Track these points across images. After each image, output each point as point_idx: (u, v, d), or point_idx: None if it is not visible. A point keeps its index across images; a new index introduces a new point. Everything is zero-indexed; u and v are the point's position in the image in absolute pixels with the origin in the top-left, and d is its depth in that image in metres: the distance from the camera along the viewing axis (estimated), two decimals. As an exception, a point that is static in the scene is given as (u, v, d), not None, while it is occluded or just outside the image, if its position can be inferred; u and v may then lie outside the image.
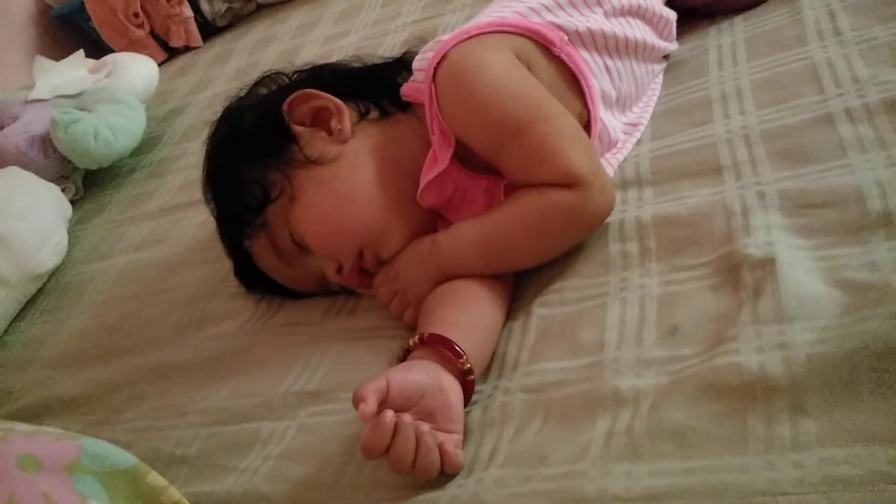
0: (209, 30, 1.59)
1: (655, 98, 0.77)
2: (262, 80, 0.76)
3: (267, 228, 0.67)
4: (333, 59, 1.16)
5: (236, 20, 1.59)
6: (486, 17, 0.69)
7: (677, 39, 0.83)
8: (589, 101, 0.67)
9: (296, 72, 0.76)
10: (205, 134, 1.15)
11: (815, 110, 0.65)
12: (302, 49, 1.28)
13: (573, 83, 0.67)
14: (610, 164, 0.70)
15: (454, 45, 0.64)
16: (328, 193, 0.65)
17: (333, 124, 0.67)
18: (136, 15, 1.48)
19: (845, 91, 0.65)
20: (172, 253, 0.93)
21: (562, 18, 0.67)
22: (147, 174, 1.16)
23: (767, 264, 0.53)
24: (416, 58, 0.68)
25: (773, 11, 0.80)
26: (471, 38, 0.64)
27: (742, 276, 0.54)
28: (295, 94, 0.68)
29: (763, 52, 0.75)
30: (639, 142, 0.73)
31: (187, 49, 1.57)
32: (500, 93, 0.61)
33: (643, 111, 0.75)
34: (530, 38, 0.65)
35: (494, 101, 0.60)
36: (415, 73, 0.68)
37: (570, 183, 0.59)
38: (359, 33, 1.23)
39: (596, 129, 0.68)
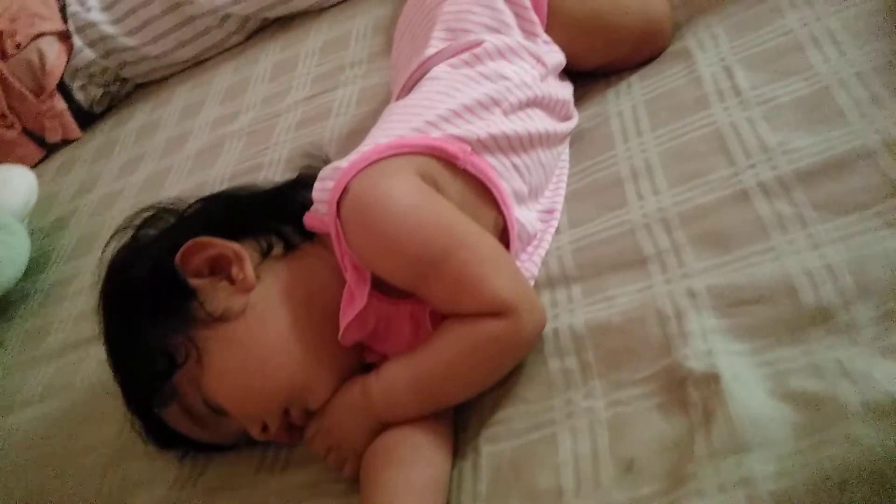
0: (87, 117, 1.48)
1: (565, 177, 0.74)
2: (149, 220, 0.70)
3: (177, 395, 0.61)
4: (225, 147, 1.13)
5: (115, 102, 1.50)
6: (382, 134, 0.65)
7: (576, 104, 0.81)
8: (502, 207, 0.64)
9: (186, 208, 0.70)
10: (97, 246, 1.10)
11: (728, 186, 0.64)
12: (190, 136, 1.21)
13: (483, 191, 0.64)
14: (533, 261, 0.67)
15: (354, 176, 0.59)
16: (240, 354, 0.59)
17: (234, 272, 0.62)
18: (3, 116, 1.37)
19: (756, 161, 0.64)
20: (81, 402, 0.85)
21: (461, 128, 0.64)
22: (39, 303, 1.07)
23: (712, 381, 0.51)
24: (316, 186, 0.63)
25: (669, 69, 0.79)
26: (370, 164, 0.60)
27: (688, 394, 0.52)
28: (187, 245, 0.62)
29: (666, 119, 0.73)
30: (558, 230, 0.70)
31: (66, 141, 1.46)
32: (411, 226, 0.57)
33: (555, 194, 0.73)
34: (433, 156, 0.62)
35: (406, 236, 0.57)
36: (315, 203, 0.63)
37: (498, 312, 0.56)
38: (249, 115, 1.17)
39: (514, 231, 0.65)
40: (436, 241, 0.57)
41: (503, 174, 0.65)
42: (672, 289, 0.59)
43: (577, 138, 0.78)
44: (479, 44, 0.71)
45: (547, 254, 0.69)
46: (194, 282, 0.62)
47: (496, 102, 0.66)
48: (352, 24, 1.21)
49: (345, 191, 0.59)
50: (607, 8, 0.78)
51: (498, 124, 0.65)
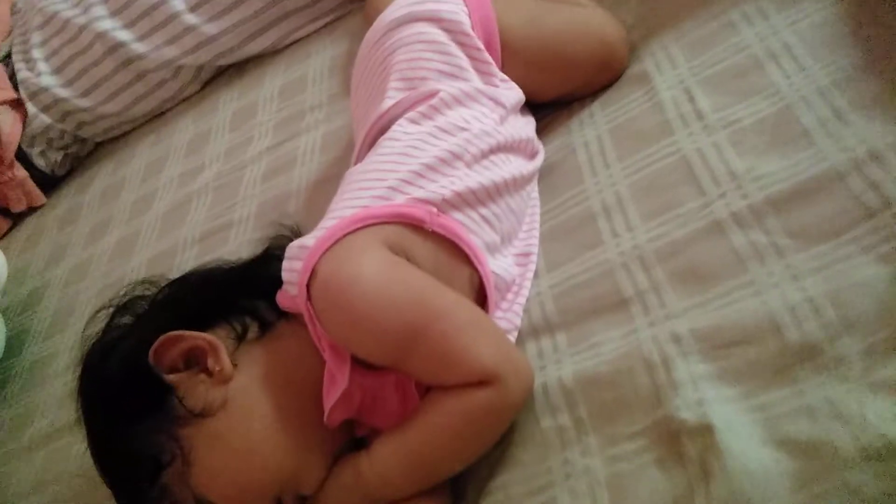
0: (50, 181, 1.45)
1: (537, 217, 0.73)
2: (122, 308, 0.68)
3: (168, 495, 0.60)
4: (193, 205, 1.11)
5: (77, 163, 1.47)
6: (345, 205, 0.63)
7: (540, 136, 0.80)
8: (476, 263, 0.63)
9: (157, 293, 0.68)
10: (72, 323, 1.08)
11: (701, 218, 0.63)
12: (156, 196, 1.19)
13: (455, 250, 0.63)
14: (514, 311, 0.66)
15: (322, 256, 0.58)
16: (227, 449, 0.58)
17: (210, 363, 0.60)
18: (-37, 191, 1.35)
19: (726, 190, 0.63)
20: (76, 491, 0.83)
21: (425, 189, 0.63)
22: (20, 387, 1.04)
23: (706, 432, 0.50)
24: (284, 265, 0.62)
25: (630, 94, 0.78)
26: (336, 242, 0.59)
27: (684, 446, 0.51)
28: (160, 341, 0.61)
29: (631, 149, 0.72)
30: (536, 274, 0.70)
31: (32, 209, 1.44)
32: (384, 305, 0.56)
33: (529, 235, 0.72)
34: (399, 223, 0.60)
35: (380, 316, 0.55)
36: (285, 284, 0.62)
37: (484, 381, 0.55)
38: (213, 168, 1.15)
39: (490, 286, 0.64)
40: (412, 317, 0.56)
41: (473, 229, 0.64)
42: (656, 333, 0.58)
43: (545, 173, 0.77)
44: (435, 94, 0.70)
45: (528, 301, 0.68)
46: (171, 378, 0.60)
47: (458, 156, 0.65)
48: (307, 65, 1.19)
49: (313, 273, 0.58)
50: (560, 39, 0.77)
51: (463, 179, 0.64)
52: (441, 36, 0.73)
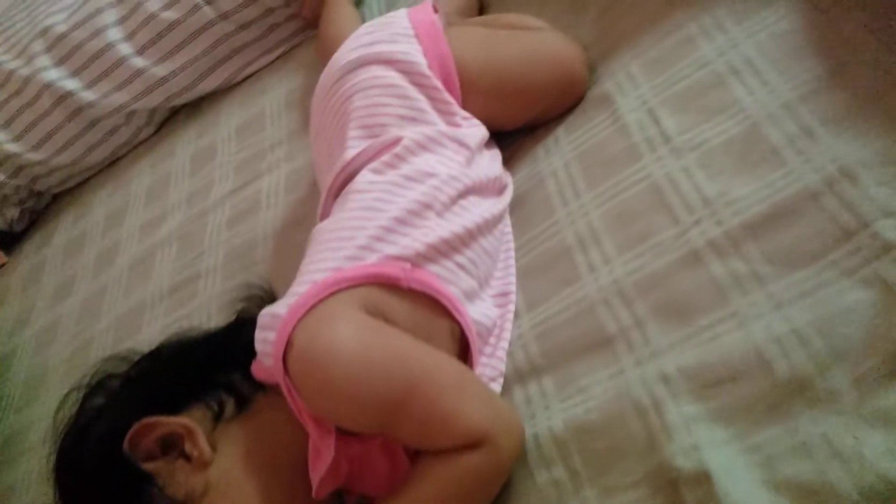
0: (9, 238, 1.41)
1: (512, 253, 0.72)
2: (95, 388, 0.66)
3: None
4: (158, 257, 1.08)
5: (35, 216, 1.43)
6: (316, 268, 0.61)
7: (507, 165, 0.79)
8: (456, 315, 0.61)
9: (129, 369, 0.66)
10: (44, 392, 1.04)
11: (678, 248, 0.62)
12: (119, 249, 1.15)
13: (434, 303, 0.61)
14: (498, 356, 0.65)
15: (296, 326, 0.56)
16: (214, 538, 0.56)
17: (188, 448, 0.58)
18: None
19: (700, 217, 0.62)
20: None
21: (398, 245, 0.61)
22: (-3, 463, 1.01)
23: (703, 480, 0.49)
24: (257, 335, 0.60)
25: (594, 118, 0.76)
26: (310, 310, 0.56)
27: (683, 496, 0.50)
28: (134, 429, 0.58)
29: (600, 176, 0.71)
30: (516, 314, 0.68)
31: (-7, 267, 1.39)
32: (364, 374, 0.54)
33: (506, 274, 0.70)
34: (374, 283, 0.58)
35: (361, 385, 0.54)
36: (260, 355, 0.60)
37: (474, 443, 0.53)
38: (176, 216, 1.12)
39: (473, 336, 0.62)
40: (394, 383, 0.54)
41: (450, 279, 0.63)
42: (644, 373, 0.57)
43: (515, 205, 0.76)
44: (398, 141, 0.68)
45: (510, 343, 0.66)
46: (148, 466, 0.58)
47: (427, 206, 0.63)
48: (263, 101, 1.16)
49: (289, 344, 0.56)
50: (518, 70, 0.76)
51: (434, 230, 0.62)
52: (398, 79, 0.71)
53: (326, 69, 0.77)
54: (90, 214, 1.29)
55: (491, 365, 0.64)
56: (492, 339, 0.66)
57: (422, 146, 0.68)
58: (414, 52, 0.72)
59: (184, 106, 1.30)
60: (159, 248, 1.09)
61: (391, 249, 0.60)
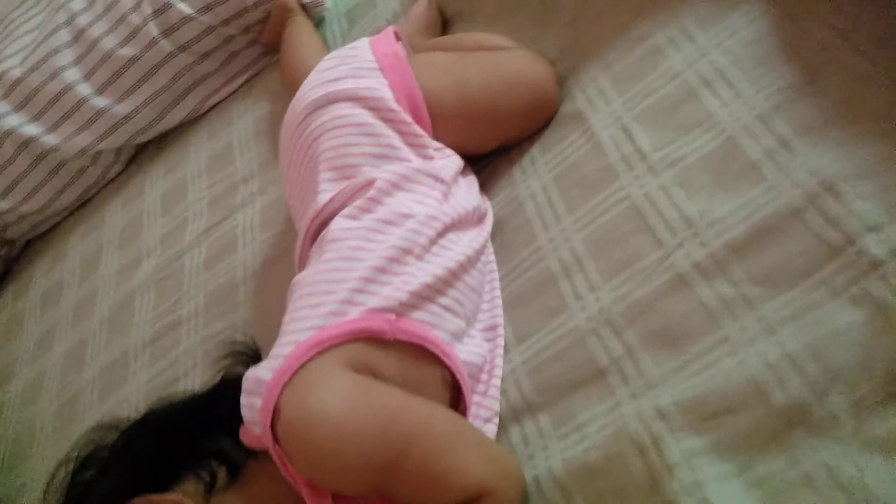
0: (-16, 287, 1.38)
1: (497, 283, 0.71)
2: (84, 461, 0.64)
3: None
4: (137, 304, 1.05)
5: (9, 265, 1.40)
6: (299, 326, 0.59)
7: (485, 188, 0.77)
8: (445, 360, 0.60)
9: (117, 441, 0.64)
10: (32, 454, 1.02)
11: (663, 272, 0.61)
12: (97, 297, 1.13)
13: (422, 351, 0.60)
14: (490, 395, 0.64)
15: (282, 392, 0.54)
16: None
17: (180, 523, 0.57)
18: None
19: (683, 239, 0.61)
20: None
21: (379, 296, 0.59)
22: (-7, 528, 0.99)
23: (710, 519, 0.49)
24: (242, 402, 0.58)
25: (567, 136, 0.75)
26: (296, 373, 0.55)
27: (689, 536, 0.49)
28: (126, 508, 0.57)
29: (579, 198, 0.70)
30: (506, 348, 0.67)
31: (-30, 321, 1.36)
32: (356, 437, 0.52)
33: (492, 306, 0.69)
34: (359, 339, 0.57)
35: (354, 449, 0.52)
36: (246, 422, 0.58)
37: (475, 497, 0.52)
38: (152, 259, 1.09)
39: (464, 379, 0.61)
40: (389, 445, 0.53)
41: (436, 323, 0.61)
42: (640, 407, 0.56)
43: (496, 230, 0.74)
44: (371, 183, 0.66)
45: (503, 380, 0.65)
46: (144, 545, 0.56)
47: (407, 251, 0.62)
48: (231, 132, 1.14)
49: (276, 411, 0.54)
50: (487, 95, 0.74)
51: (416, 276, 0.61)
52: (365, 116, 0.69)
53: (291, 106, 0.75)
54: (65, 260, 1.26)
55: (485, 405, 0.63)
56: (483, 376, 0.65)
57: (396, 186, 0.66)
58: (380, 87, 0.71)
59: (150, 141, 1.27)
60: (138, 294, 1.07)
61: (373, 301, 0.59)
